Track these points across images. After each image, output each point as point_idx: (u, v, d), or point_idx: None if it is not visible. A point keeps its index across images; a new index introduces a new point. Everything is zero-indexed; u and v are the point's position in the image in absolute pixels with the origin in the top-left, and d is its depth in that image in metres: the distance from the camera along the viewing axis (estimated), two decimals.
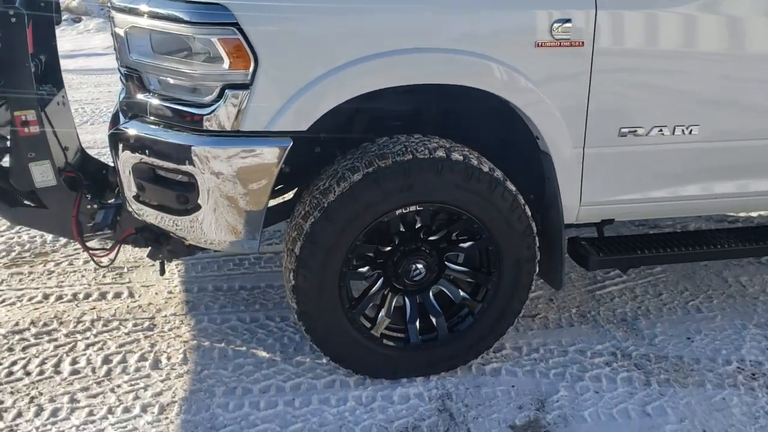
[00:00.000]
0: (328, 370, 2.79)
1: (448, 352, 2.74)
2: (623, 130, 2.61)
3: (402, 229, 2.60)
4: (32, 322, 3.09)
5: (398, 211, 2.48)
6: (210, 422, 2.52)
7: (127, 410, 2.57)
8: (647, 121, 2.62)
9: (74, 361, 2.84)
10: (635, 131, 2.62)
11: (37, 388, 2.68)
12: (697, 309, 3.29)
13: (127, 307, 3.23)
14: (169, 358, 2.87)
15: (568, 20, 2.40)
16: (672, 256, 2.89)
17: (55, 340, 2.98)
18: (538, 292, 3.37)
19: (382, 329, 2.69)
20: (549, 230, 2.74)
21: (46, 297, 3.30)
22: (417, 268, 2.64)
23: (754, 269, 3.66)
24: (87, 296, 3.31)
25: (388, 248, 2.63)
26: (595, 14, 2.42)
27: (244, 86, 2.31)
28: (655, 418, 2.57)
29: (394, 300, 2.71)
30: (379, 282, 2.67)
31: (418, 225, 2.60)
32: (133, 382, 2.72)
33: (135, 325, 3.09)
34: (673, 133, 2.66)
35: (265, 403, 2.61)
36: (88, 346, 2.94)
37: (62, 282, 3.44)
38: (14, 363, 2.83)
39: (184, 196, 2.49)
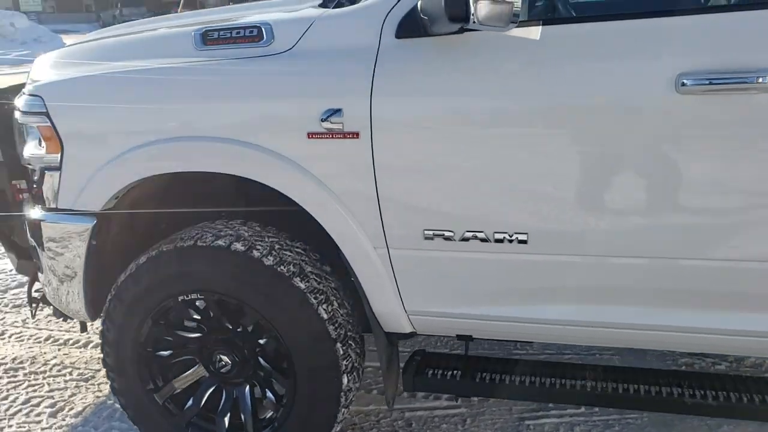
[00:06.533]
0: None
1: None
2: (427, 232, 2.26)
3: (197, 316, 2.55)
4: None
5: (180, 298, 2.46)
6: None
7: None
8: (456, 224, 2.23)
9: None
10: (443, 234, 2.25)
11: None
12: None
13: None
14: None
15: (338, 110, 2.20)
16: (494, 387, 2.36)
17: None
18: (459, 410, 2.95)
19: (190, 418, 2.63)
20: (376, 338, 2.45)
21: None
22: (221, 359, 2.55)
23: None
24: None
25: (197, 335, 2.59)
26: (370, 103, 2.18)
27: (56, 168, 2.53)
28: None
29: (209, 389, 2.64)
30: (194, 368, 2.63)
31: (212, 314, 2.52)
32: None
33: None
34: (495, 241, 2.22)
35: None
36: None
37: None
38: None
39: (38, 266, 2.78)
